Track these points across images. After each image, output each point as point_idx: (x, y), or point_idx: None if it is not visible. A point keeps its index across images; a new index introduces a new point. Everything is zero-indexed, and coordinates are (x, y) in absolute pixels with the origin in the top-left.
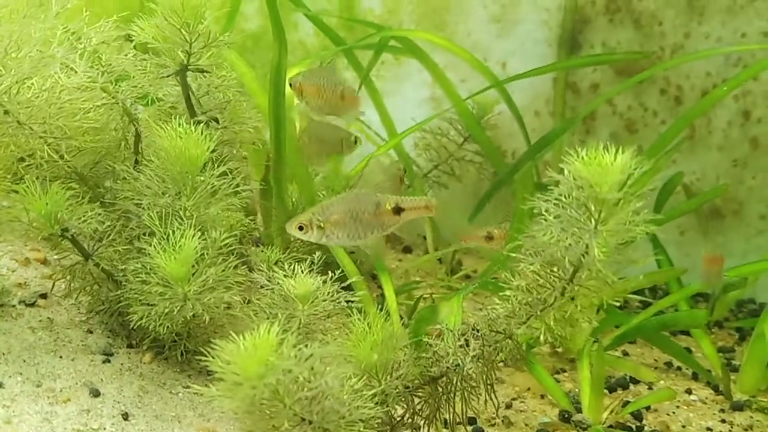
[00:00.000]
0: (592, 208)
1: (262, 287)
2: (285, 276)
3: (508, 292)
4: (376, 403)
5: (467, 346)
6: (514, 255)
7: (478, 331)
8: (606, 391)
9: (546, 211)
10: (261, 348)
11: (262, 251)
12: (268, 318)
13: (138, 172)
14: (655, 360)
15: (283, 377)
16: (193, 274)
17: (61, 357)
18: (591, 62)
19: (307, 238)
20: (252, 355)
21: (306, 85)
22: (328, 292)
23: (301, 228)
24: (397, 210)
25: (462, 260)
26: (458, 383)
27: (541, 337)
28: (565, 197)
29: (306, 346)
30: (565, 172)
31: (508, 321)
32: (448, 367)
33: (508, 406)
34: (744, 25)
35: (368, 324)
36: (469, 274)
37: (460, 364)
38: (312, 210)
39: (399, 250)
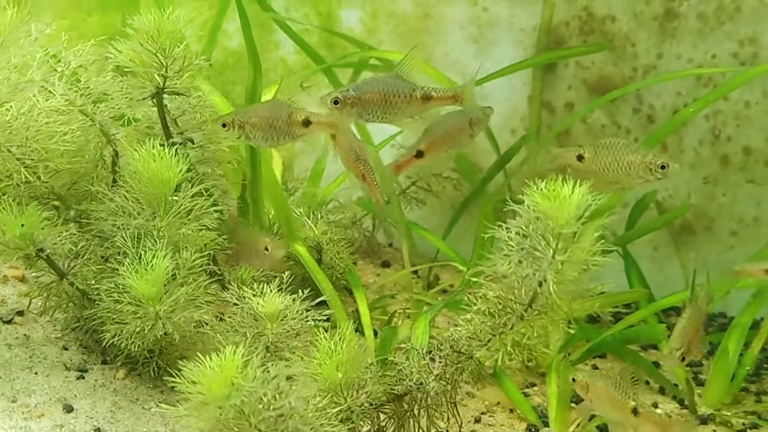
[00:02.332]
0: (550, 240)
1: (234, 305)
2: (254, 295)
3: (468, 315)
4: (341, 420)
5: (433, 363)
6: (475, 280)
7: (441, 350)
8: (574, 404)
9: (506, 240)
10: (226, 369)
11: (241, 266)
12: (239, 336)
13: (115, 191)
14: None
15: (247, 398)
16: (165, 293)
17: (36, 373)
18: (554, 57)
19: (230, 135)
20: (218, 376)
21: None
22: (297, 311)
23: (224, 125)
24: (306, 122)
25: (439, 275)
26: (422, 401)
27: (499, 360)
28: (524, 228)
29: (272, 365)
30: (525, 203)
31: (469, 342)
32: (411, 385)
33: (477, 420)
34: (714, 47)
35: (333, 343)
36: (446, 289)
37: (423, 382)
38: (235, 111)
39: (377, 264)
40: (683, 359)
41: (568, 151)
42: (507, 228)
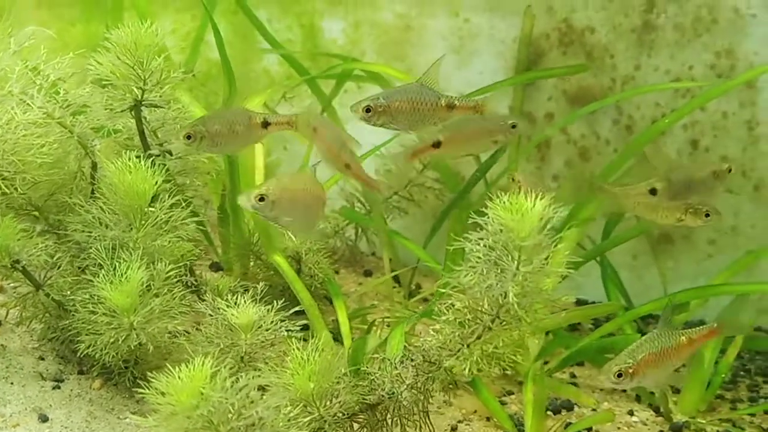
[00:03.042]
0: (513, 252)
1: (210, 315)
2: (228, 306)
3: (438, 326)
4: (314, 430)
5: (405, 372)
6: (443, 291)
7: (413, 360)
8: (551, 412)
9: (472, 251)
10: (195, 379)
11: (222, 276)
12: (213, 346)
13: (92, 203)
14: (602, 381)
15: (214, 408)
16: (140, 304)
17: (12, 383)
18: (537, 76)
19: (194, 148)
20: (186, 386)
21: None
22: (272, 321)
23: (189, 137)
24: (265, 124)
25: (420, 283)
26: (395, 410)
27: (467, 370)
28: (487, 240)
29: (242, 375)
30: (489, 216)
31: (439, 352)
32: (384, 395)
33: (454, 429)
34: (691, 58)
35: (306, 354)
36: (427, 297)
37: (396, 392)
38: (197, 121)
39: (360, 273)
40: (620, 375)
41: (635, 188)
42: (473, 240)
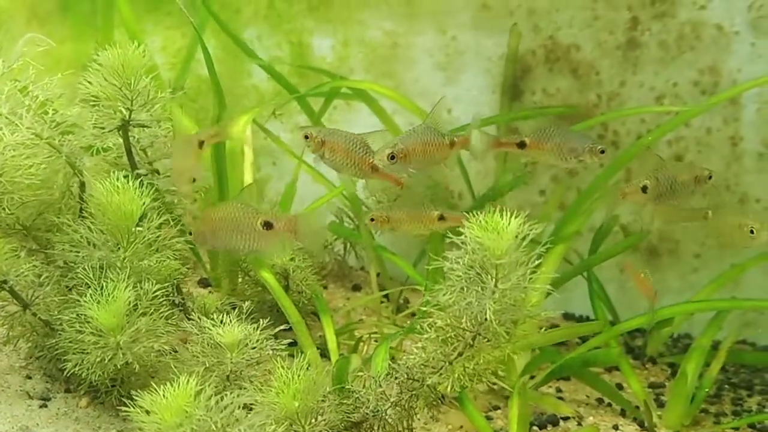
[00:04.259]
0: (490, 269)
1: (196, 334)
2: (213, 325)
3: (420, 343)
4: None
5: (390, 390)
6: (425, 309)
7: (397, 378)
8: (537, 427)
9: (450, 270)
10: (179, 398)
11: (211, 293)
12: (200, 364)
13: (80, 222)
14: (587, 396)
15: (198, 426)
16: (127, 323)
17: None
18: (528, 115)
19: (199, 244)
20: (170, 405)
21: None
22: (257, 339)
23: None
24: (268, 225)
25: (409, 298)
26: (379, 428)
27: (449, 388)
28: (464, 258)
29: (227, 394)
30: (466, 234)
31: (422, 369)
32: (368, 413)
33: None
34: (675, 75)
35: (291, 372)
36: (415, 312)
37: (380, 409)
38: (202, 217)
39: (348, 288)
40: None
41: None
42: (452, 259)
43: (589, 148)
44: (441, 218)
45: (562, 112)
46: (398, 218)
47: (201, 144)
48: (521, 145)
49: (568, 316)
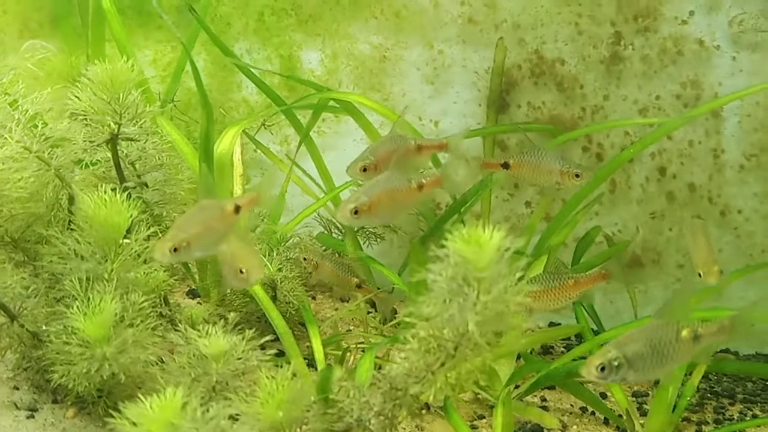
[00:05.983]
0: (472, 282)
1: (182, 345)
2: (199, 336)
3: (403, 354)
4: None
5: (373, 400)
6: (408, 320)
7: (380, 387)
8: None
9: (433, 282)
10: (165, 409)
11: (199, 303)
12: (187, 375)
13: (70, 233)
14: (572, 405)
15: None
16: (113, 335)
17: None
18: (510, 130)
19: (174, 258)
20: (157, 417)
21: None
22: (243, 350)
23: (175, 249)
24: (236, 209)
25: (396, 308)
26: None
27: (431, 397)
28: (446, 271)
29: (213, 405)
30: (448, 247)
31: (405, 379)
32: (352, 422)
33: None
34: (658, 89)
35: (275, 382)
36: (401, 322)
37: (363, 418)
38: (173, 229)
39: (336, 298)
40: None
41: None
42: (434, 272)
43: (566, 171)
44: (420, 186)
45: (539, 128)
46: (378, 201)
47: (237, 209)
48: (505, 165)
49: (553, 326)
